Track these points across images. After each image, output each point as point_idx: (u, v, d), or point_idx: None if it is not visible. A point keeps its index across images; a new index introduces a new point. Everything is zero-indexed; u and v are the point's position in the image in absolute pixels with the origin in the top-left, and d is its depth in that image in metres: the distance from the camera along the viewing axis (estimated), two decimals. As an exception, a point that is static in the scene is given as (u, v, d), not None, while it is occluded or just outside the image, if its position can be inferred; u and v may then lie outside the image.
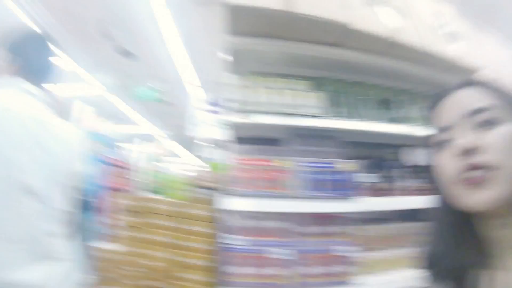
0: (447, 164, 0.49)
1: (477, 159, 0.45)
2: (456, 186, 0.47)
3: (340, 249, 1.42)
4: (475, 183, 0.45)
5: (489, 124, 0.48)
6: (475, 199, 0.45)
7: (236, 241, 1.37)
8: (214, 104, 3.55)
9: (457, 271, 0.50)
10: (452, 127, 0.51)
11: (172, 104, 5.91)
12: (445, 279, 0.51)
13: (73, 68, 4.81)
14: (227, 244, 1.37)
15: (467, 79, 0.57)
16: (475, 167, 0.45)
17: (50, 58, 1.14)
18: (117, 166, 3.86)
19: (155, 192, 2.13)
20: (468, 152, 0.46)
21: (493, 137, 0.46)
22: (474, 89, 0.54)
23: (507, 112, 0.49)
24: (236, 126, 1.53)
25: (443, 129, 0.53)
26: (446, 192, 0.50)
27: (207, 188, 1.82)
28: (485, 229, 0.50)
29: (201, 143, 3.83)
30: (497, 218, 0.47)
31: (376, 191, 1.60)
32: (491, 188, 0.44)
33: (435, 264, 0.54)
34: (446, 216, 0.54)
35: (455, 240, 0.52)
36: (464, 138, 0.47)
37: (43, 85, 1.09)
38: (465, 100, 0.52)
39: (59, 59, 1.27)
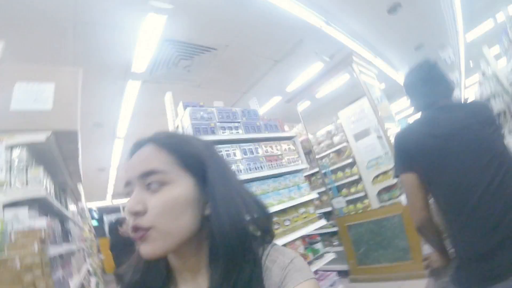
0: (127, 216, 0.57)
1: (137, 221, 0.55)
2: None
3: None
4: (139, 239, 0.56)
5: (157, 185, 0.57)
6: (141, 251, 0.56)
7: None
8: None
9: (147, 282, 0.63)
10: (131, 183, 0.59)
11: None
12: None
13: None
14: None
15: (150, 135, 0.64)
16: (135, 228, 0.55)
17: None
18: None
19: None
20: (132, 214, 0.55)
21: (154, 201, 0.56)
22: (153, 147, 0.61)
23: (175, 170, 0.59)
24: None
25: (126, 184, 0.61)
26: None
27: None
28: (170, 259, 0.64)
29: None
30: (175, 255, 0.62)
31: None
32: (148, 244, 0.55)
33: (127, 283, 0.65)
34: None
35: (147, 267, 0.64)
36: (132, 201, 0.56)
37: None
38: (141, 159, 0.60)
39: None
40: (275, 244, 0.64)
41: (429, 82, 1.42)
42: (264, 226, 0.64)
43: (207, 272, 0.60)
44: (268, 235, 0.65)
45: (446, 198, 1.23)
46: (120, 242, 4.36)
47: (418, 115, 1.45)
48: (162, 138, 0.63)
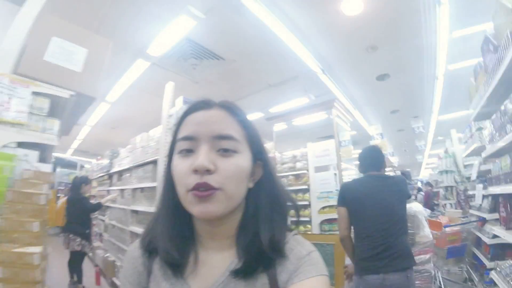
0: (184, 173, 0.56)
1: (208, 179, 0.54)
2: (187, 194, 0.55)
3: None
4: (201, 197, 0.54)
5: (229, 151, 0.57)
6: (200, 209, 0.55)
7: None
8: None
9: (171, 249, 0.59)
10: (198, 140, 0.58)
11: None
12: (163, 255, 0.60)
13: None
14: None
15: (227, 101, 0.65)
16: (204, 186, 0.54)
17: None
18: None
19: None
20: (202, 171, 0.54)
21: (226, 165, 0.56)
22: (226, 113, 0.61)
23: (243, 143, 0.61)
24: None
25: (189, 138, 0.58)
26: (179, 193, 0.58)
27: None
28: (195, 223, 0.64)
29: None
30: (211, 220, 0.59)
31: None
32: (212, 205, 0.54)
33: (151, 243, 0.63)
34: (171, 207, 0.62)
35: (172, 227, 0.62)
36: (205, 157, 0.55)
37: None
38: (217, 121, 0.59)
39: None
40: (296, 234, 0.66)
41: (369, 158, 2.30)
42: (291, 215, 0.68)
43: (229, 240, 0.62)
44: (292, 224, 0.68)
45: (358, 228, 2.14)
46: (76, 199, 4.48)
47: (359, 175, 2.37)
48: (234, 109, 0.63)
